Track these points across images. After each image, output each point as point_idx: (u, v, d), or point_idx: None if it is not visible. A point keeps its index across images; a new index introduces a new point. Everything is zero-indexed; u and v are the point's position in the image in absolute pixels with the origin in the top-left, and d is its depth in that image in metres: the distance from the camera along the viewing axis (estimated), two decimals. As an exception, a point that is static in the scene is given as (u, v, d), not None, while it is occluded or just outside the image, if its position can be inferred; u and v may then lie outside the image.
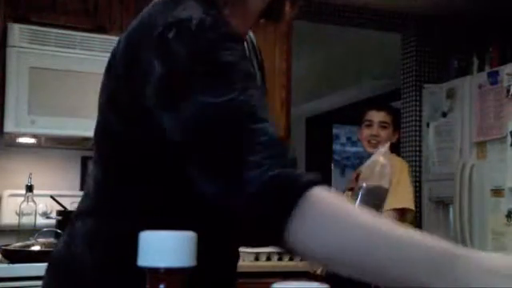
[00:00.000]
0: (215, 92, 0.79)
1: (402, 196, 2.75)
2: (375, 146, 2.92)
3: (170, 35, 0.83)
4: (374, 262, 0.70)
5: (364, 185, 0.81)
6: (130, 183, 0.94)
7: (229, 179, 0.76)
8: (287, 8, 1.03)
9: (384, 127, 2.93)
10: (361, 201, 0.81)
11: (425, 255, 0.67)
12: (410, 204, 2.76)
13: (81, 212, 1.02)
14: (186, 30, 0.83)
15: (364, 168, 0.84)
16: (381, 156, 0.86)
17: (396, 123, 3.01)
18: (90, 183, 1.01)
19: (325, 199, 0.74)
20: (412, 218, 2.91)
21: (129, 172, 0.94)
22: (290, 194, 0.73)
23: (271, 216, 0.72)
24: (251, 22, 1.05)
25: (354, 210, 0.75)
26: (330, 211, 0.73)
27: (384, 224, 0.72)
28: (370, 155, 3.06)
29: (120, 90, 0.92)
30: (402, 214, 2.75)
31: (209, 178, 0.79)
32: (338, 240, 0.72)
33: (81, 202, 1.04)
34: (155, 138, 0.87)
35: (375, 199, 0.84)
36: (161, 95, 0.84)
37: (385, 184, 0.86)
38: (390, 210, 2.74)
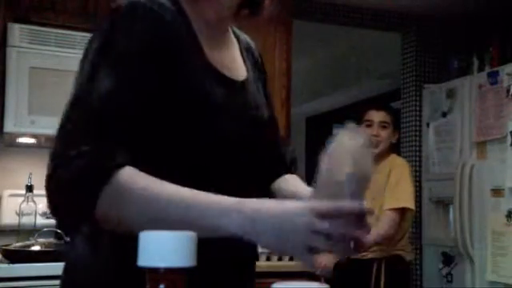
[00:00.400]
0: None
1: (401, 195, 2.76)
2: (375, 146, 2.92)
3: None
4: (169, 225, 0.76)
5: (348, 172, 0.80)
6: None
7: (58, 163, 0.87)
8: (267, 1, 1.05)
9: (384, 127, 2.93)
10: (349, 191, 0.80)
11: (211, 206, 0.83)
12: (409, 203, 2.76)
13: None
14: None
15: (335, 151, 0.83)
16: (347, 137, 0.85)
17: (396, 123, 3.01)
18: None
19: (127, 176, 0.85)
20: (412, 217, 2.92)
21: None
22: (99, 179, 0.84)
23: (83, 198, 0.84)
24: (227, 11, 1.05)
25: (146, 179, 0.86)
26: (128, 185, 0.85)
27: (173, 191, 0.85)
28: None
29: None
30: (401, 214, 2.75)
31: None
32: (134, 207, 0.85)
33: None
34: None
35: (361, 188, 0.84)
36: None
37: (369, 171, 0.85)
38: (390, 209, 2.74)
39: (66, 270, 1.05)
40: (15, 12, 2.84)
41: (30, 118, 2.76)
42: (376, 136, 2.90)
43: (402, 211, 2.75)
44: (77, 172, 0.84)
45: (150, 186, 0.85)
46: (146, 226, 0.66)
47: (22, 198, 2.86)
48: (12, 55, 2.76)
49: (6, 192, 3.02)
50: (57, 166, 0.85)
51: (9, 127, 2.75)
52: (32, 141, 2.97)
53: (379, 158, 2.92)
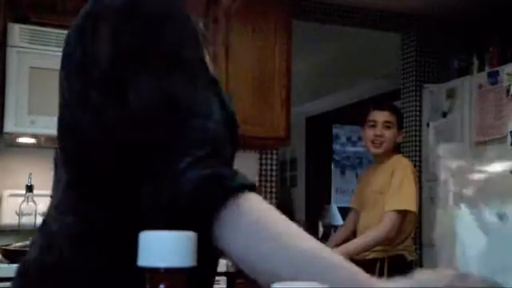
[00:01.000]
0: (153, 83, 0.77)
1: (404, 197, 2.74)
2: (379, 147, 2.90)
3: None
4: (292, 276, 0.70)
5: None
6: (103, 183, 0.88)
7: (163, 180, 0.74)
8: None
9: (388, 127, 2.90)
10: None
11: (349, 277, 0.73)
12: (411, 206, 2.74)
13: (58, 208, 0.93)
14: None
15: None
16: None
17: (400, 123, 2.98)
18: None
19: (252, 205, 0.74)
20: (415, 219, 2.90)
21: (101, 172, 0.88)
22: (219, 196, 0.73)
23: (200, 215, 0.73)
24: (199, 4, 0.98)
25: (279, 221, 0.75)
26: (254, 218, 0.74)
27: (307, 241, 0.74)
28: (372, 156, 3.07)
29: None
30: (403, 216, 2.74)
31: (145, 180, 0.77)
32: (256, 248, 0.73)
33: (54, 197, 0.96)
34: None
35: None
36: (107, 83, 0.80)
37: None
38: (392, 211, 2.73)
39: (36, 272, 0.93)
40: (15, 12, 2.84)
41: (29, 118, 2.76)
42: (380, 136, 2.89)
43: (404, 213, 2.74)
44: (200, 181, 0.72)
45: (290, 228, 0.74)
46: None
47: (22, 198, 2.86)
48: (12, 55, 2.76)
49: (6, 192, 3.02)
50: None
51: (9, 127, 2.75)
52: (32, 141, 2.97)
53: (383, 157, 2.91)
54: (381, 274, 2.74)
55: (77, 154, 0.88)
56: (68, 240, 0.89)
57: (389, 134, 2.90)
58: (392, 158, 2.92)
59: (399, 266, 2.78)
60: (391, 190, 2.76)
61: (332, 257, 0.74)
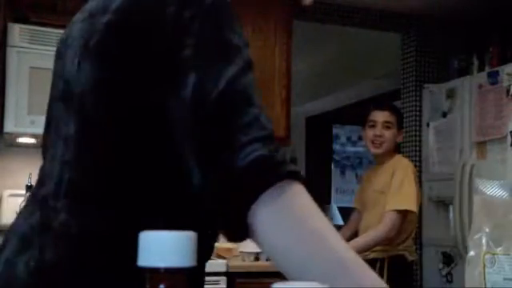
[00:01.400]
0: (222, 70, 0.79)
1: (404, 197, 2.74)
2: (379, 147, 2.91)
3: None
4: (317, 276, 0.71)
5: None
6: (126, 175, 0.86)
7: (220, 161, 0.76)
8: None
9: (388, 127, 2.91)
10: None
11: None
12: (412, 206, 2.74)
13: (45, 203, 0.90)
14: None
15: None
16: None
17: (400, 123, 2.99)
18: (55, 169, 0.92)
19: (295, 195, 0.75)
20: (415, 219, 2.90)
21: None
22: (269, 176, 0.74)
23: (247, 193, 0.74)
24: None
25: (318, 217, 0.76)
26: (294, 209, 0.75)
27: (338, 241, 0.75)
28: (373, 156, 3.07)
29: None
30: (404, 216, 2.74)
31: (202, 162, 0.78)
32: (288, 240, 0.74)
33: (37, 190, 0.94)
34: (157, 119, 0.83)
35: None
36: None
37: None
38: (392, 211, 2.73)
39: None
40: (15, 12, 2.84)
41: (29, 118, 2.76)
42: (380, 136, 2.89)
43: (405, 213, 2.74)
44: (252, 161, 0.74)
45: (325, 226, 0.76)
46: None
47: (22, 198, 2.86)
48: (12, 55, 2.76)
49: (6, 192, 3.02)
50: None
51: (9, 127, 2.75)
52: (32, 141, 2.97)
53: (384, 158, 2.91)
54: (381, 274, 2.75)
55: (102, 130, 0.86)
56: (67, 240, 0.88)
57: (389, 134, 2.90)
58: (393, 158, 2.92)
59: (399, 266, 2.78)
60: (392, 190, 2.77)
61: (364, 274, 0.77)
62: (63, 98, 0.93)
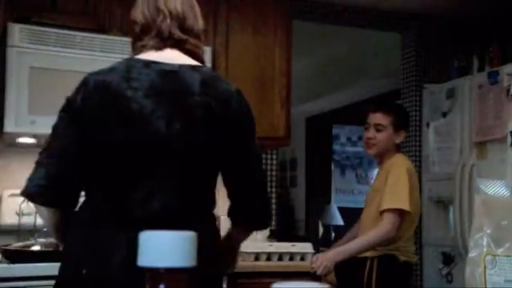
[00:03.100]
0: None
1: (397, 196, 2.73)
2: (371, 148, 2.93)
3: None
4: None
5: None
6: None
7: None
8: None
9: (379, 130, 2.88)
10: None
11: None
12: (405, 205, 2.72)
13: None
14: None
15: None
16: None
17: (397, 123, 2.93)
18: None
19: None
20: (413, 218, 2.87)
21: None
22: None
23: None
24: None
25: None
26: None
27: None
28: (370, 157, 3.07)
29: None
30: (400, 214, 2.73)
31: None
32: None
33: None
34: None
35: None
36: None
37: None
38: (387, 210, 2.73)
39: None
40: (15, 12, 2.84)
41: (29, 118, 2.75)
42: (371, 139, 2.89)
43: (401, 212, 2.73)
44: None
45: None
46: None
47: (22, 198, 2.85)
48: (12, 55, 2.76)
49: (6, 192, 3.02)
50: None
51: (9, 127, 2.74)
52: (32, 141, 2.97)
53: (383, 158, 2.91)
54: (370, 273, 2.75)
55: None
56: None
57: (381, 136, 2.87)
58: (392, 157, 2.91)
59: (390, 266, 2.76)
60: (386, 188, 2.76)
61: None
62: None
